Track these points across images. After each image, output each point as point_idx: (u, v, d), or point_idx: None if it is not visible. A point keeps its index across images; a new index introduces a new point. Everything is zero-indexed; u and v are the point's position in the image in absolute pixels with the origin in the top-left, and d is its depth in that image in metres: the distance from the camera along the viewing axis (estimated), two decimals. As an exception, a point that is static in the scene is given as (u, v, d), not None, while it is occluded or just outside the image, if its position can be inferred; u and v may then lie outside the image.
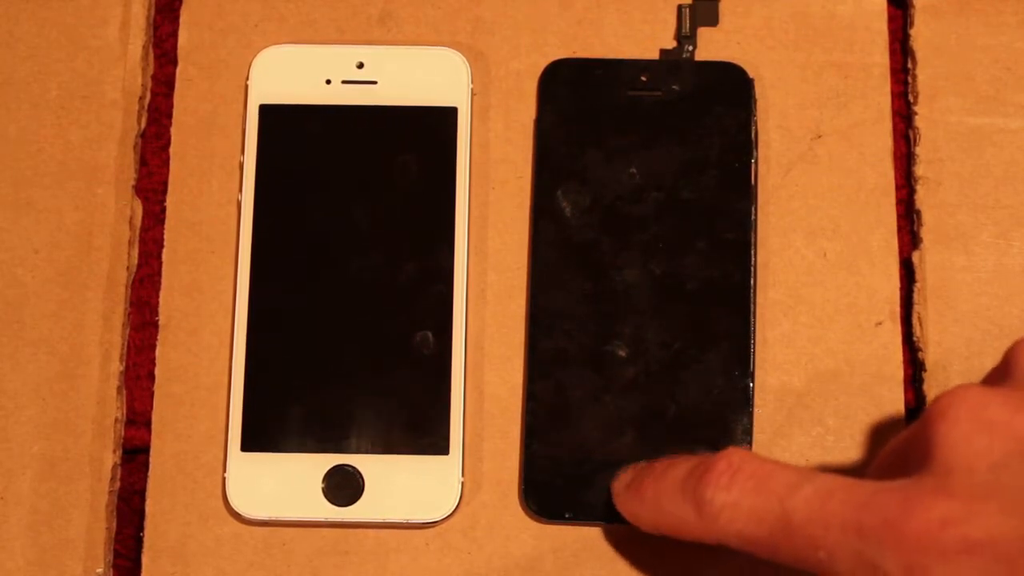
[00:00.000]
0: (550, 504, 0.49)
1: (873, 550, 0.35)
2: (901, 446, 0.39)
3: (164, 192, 0.53)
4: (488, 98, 0.53)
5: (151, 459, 0.50)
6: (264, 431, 0.50)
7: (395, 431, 0.49)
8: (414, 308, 0.50)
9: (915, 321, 0.51)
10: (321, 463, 0.49)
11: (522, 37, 0.54)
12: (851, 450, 0.50)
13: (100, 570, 0.49)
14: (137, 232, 0.53)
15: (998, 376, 0.39)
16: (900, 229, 0.52)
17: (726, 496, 0.39)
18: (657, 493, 0.42)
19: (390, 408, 0.50)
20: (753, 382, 0.50)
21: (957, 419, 0.36)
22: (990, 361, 0.48)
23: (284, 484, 0.49)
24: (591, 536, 0.49)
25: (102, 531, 0.50)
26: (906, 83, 0.54)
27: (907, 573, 0.34)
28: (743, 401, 0.49)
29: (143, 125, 0.54)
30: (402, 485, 0.49)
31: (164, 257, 0.52)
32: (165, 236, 0.52)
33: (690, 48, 0.53)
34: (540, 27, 0.54)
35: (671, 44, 0.53)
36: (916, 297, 0.51)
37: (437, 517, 0.49)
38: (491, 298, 0.52)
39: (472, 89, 0.53)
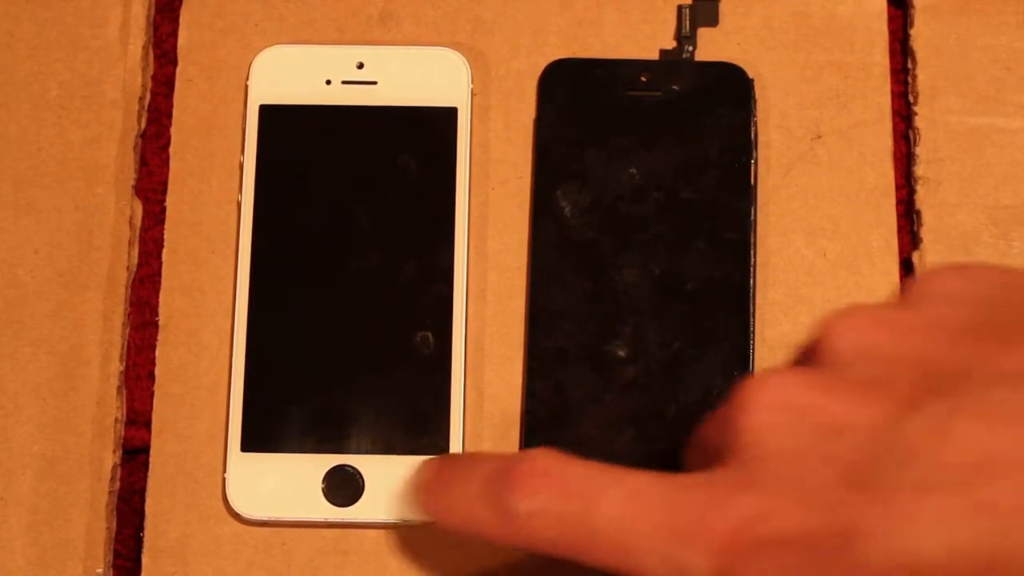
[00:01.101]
0: (550, 504, 0.49)
1: (681, 551, 0.33)
2: (708, 434, 0.37)
3: (164, 192, 0.53)
4: (488, 98, 0.53)
5: (151, 459, 0.50)
6: (264, 431, 0.50)
7: (395, 431, 0.49)
8: (414, 308, 0.50)
9: (915, 321, 0.51)
10: (321, 463, 0.49)
11: (522, 37, 0.54)
12: (851, 450, 0.49)
13: (100, 570, 0.49)
14: (137, 232, 0.53)
15: (803, 357, 0.37)
16: (900, 229, 0.52)
17: (531, 503, 0.36)
18: (461, 495, 0.39)
19: (390, 408, 0.50)
20: (753, 382, 0.50)
21: (757, 406, 0.34)
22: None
23: (284, 484, 0.49)
24: (591, 536, 0.49)
25: (102, 531, 0.50)
26: (906, 83, 0.54)
27: (716, 574, 0.33)
28: (743, 401, 0.49)
29: (143, 125, 0.54)
30: (402, 485, 0.49)
31: (164, 257, 0.52)
32: (165, 236, 0.52)
33: (690, 48, 0.53)
34: (540, 27, 0.54)
35: (671, 44, 0.53)
36: (916, 297, 0.51)
37: (437, 517, 0.49)
38: (491, 298, 0.52)
39: (472, 89, 0.53)
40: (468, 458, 0.41)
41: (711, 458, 0.35)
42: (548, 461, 0.37)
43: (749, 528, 0.32)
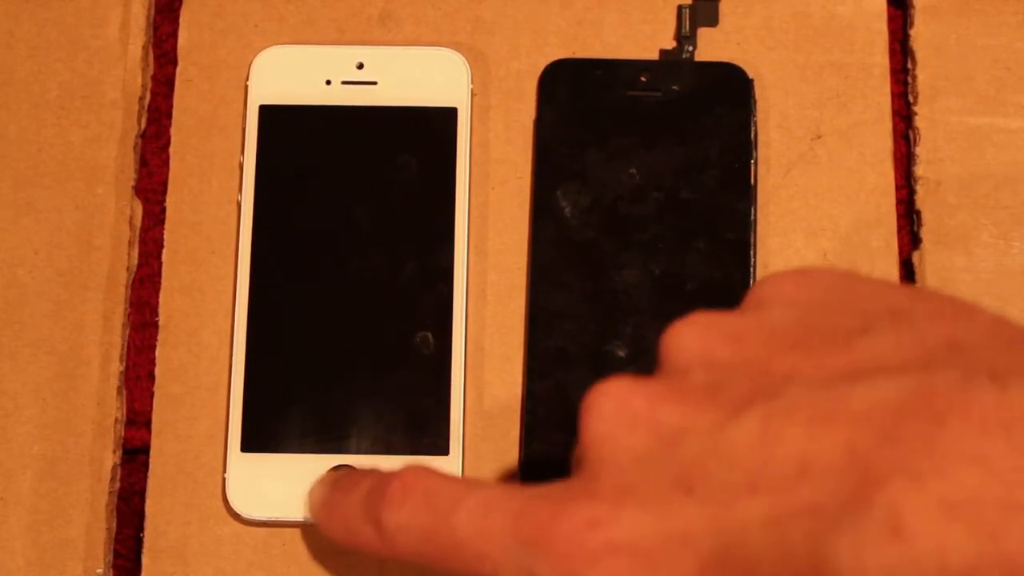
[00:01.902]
0: (550, 504, 0.49)
1: (530, 559, 0.34)
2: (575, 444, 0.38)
3: (164, 192, 0.53)
4: (488, 98, 0.53)
5: (151, 459, 0.50)
6: (264, 431, 0.50)
7: (395, 431, 0.49)
8: (414, 308, 0.50)
9: (915, 321, 0.51)
10: (321, 463, 0.49)
11: (522, 37, 0.54)
12: (851, 450, 0.49)
13: (100, 570, 0.49)
14: (137, 232, 0.53)
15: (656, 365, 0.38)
16: (900, 229, 0.52)
17: (398, 516, 0.38)
18: (345, 512, 0.41)
19: (390, 408, 0.50)
20: (753, 382, 0.50)
21: (601, 415, 0.34)
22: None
23: (284, 484, 0.49)
24: (591, 536, 0.49)
25: (102, 531, 0.50)
26: (906, 83, 0.54)
27: None
28: (743, 401, 0.49)
29: (143, 125, 0.54)
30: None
31: (164, 257, 0.52)
32: (165, 236, 0.52)
33: (690, 48, 0.53)
34: (540, 27, 0.54)
35: (671, 44, 0.53)
36: (916, 297, 0.51)
37: (437, 517, 0.49)
38: (491, 298, 0.52)
39: (472, 89, 0.53)
40: (355, 475, 0.42)
41: (573, 468, 0.36)
42: (413, 475, 0.38)
43: (590, 534, 0.33)
